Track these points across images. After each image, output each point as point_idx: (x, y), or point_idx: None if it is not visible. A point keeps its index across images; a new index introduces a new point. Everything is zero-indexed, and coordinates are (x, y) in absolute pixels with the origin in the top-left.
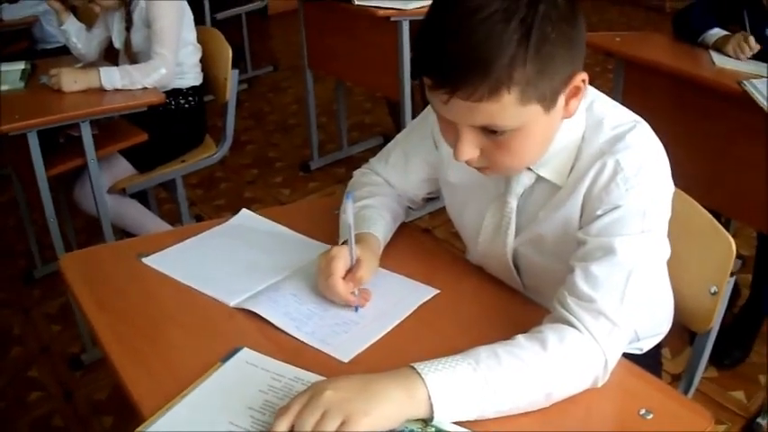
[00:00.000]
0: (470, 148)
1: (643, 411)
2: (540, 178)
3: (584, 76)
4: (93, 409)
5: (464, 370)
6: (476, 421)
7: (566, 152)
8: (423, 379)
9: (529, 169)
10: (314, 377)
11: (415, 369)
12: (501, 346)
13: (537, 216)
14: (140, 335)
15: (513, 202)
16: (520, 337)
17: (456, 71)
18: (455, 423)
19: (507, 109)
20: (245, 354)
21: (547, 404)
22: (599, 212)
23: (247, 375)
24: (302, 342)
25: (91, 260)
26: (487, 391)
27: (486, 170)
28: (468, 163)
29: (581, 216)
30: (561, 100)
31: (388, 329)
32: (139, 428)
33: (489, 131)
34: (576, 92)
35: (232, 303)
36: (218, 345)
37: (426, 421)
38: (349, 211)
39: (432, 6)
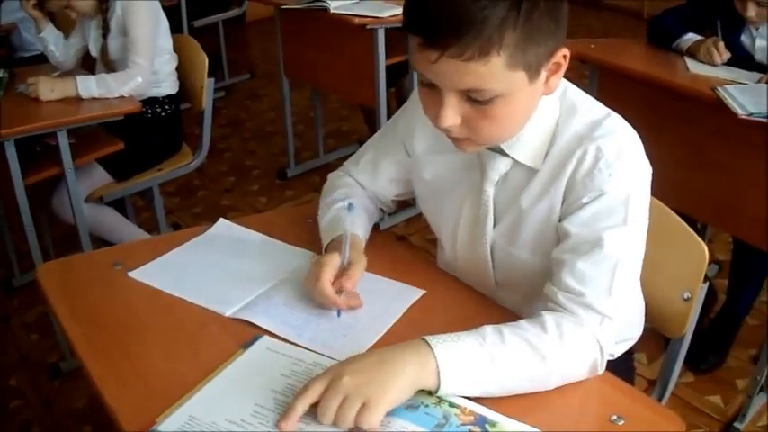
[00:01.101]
0: (453, 113)
1: (614, 417)
2: (515, 164)
3: (565, 52)
4: (73, 418)
5: (471, 344)
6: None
7: (540, 135)
8: (432, 350)
9: (504, 155)
10: (332, 362)
11: (425, 341)
12: (506, 326)
13: (515, 204)
14: (116, 344)
15: (489, 190)
16: (522, 321)
17: (448, 30)
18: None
19: (495, 72)
20: (266, 341)
21: (549, 385)
22: (584, 200)
23: (269, 361)
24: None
25: (68, 270)
26: (492, 367)
27: (464, 142)
28: (447, 132)
29: (563, 204)
30: (543, 74)
31: (385, 330)
32: (166, 412)
33: (473, 100)
34: (557, 68)
35: (227, 313)
36: (191, 352)
37: (434, 394)
38: (347, 219)
39: None
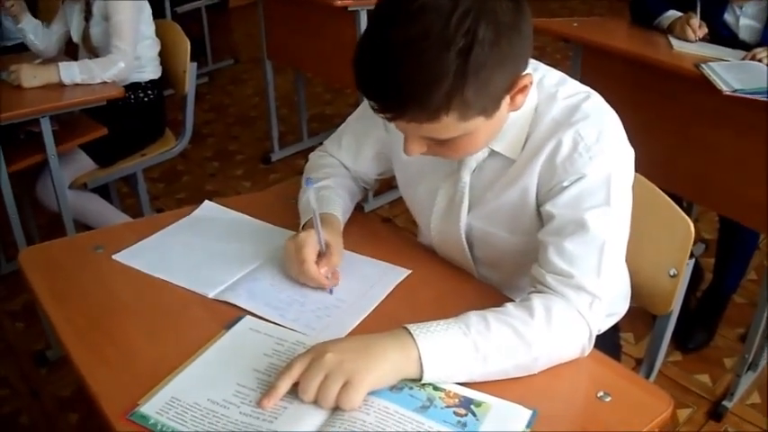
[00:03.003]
0: (418, 146)
1: (601, 394)
2: (493, 152)
3: (529, 78)
4: (60, 406)
5: (455, 334)
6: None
7: (518, 126)
8: (414, 340)
9: None
10: (315, 342)
11: (408, 330)
12: (491, 313)
13: (490, 190)
14: (99, 326)
15: (466, 177)
16: (509, 305)
17: (394, 104)
18: None
19: (448, 126)
20: (248, 321)
21: (535, 370)
22: (565, 184)
23: (251, 341)
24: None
25: (50, 254)
26: (477, 355)
27: (438, 156)
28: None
29: (541, 188)
30: (506, 100)
31: (370, 311)
32: (149, 394)
33: (434, 139)
34: (523, 89)
35: (211, 294)
36: (174, 334)
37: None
38: (311, 196)
39: (369, 27)
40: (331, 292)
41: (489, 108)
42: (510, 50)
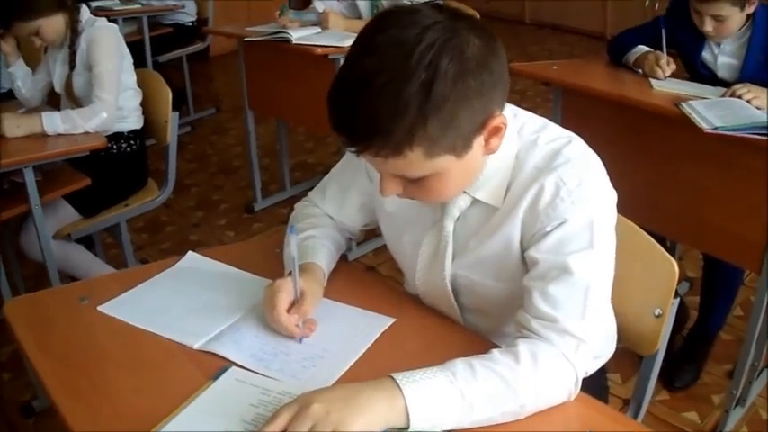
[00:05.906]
0: (392, 186)
1: None
2: (476, 201)
3: (502, 119)
4: None
5: (441, 382)
6: None
7: (500, 173)
8: (401, 390)
9: (465, 192)
10: (301, 392)
11: (394, 379)
12: (477, 360)
13: (474, 239)
14: (85, 378)
15: (449, 226)
16: (495, 352)
17: (359, 137)
18: None
19: (414, 163)
20: (234, 372)
21: (522, 416)
22: (548, 229)
23: (237, 391)
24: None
25: (35, 305)
26: (463, 403)
27: (415, 199)
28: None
29: (525, 234)
30: (478, 141)
31: (355, 360)
32: None
33: (406, 178)
34: (496, 131)
35: (196, 345)
36: (160, 385)
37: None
38: (292, 243)
39: (343, 64)
40: (300, 341)
41: (458, 147)
42: (477, 87)
